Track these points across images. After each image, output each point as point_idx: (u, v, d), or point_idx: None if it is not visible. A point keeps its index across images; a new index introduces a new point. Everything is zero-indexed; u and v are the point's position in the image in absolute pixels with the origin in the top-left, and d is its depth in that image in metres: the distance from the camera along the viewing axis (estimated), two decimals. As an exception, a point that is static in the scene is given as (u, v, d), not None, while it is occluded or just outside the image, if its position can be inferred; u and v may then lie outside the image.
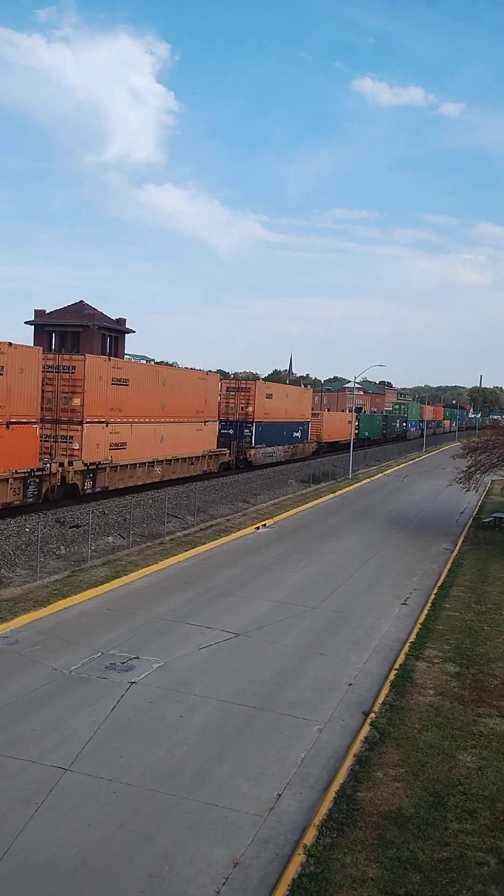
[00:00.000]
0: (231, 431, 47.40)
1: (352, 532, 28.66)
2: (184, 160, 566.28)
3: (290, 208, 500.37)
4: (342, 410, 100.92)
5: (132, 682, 12.51)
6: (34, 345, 58.17)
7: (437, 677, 13.27)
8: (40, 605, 16.57)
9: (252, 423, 47.92)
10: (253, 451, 47.71)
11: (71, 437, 29.08)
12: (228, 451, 45.16)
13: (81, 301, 64.70)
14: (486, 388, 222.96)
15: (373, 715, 11.49)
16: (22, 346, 25.40)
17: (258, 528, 28.31)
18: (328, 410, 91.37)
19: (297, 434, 57.47)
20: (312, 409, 65.38)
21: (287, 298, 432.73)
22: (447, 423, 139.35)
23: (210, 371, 45.43)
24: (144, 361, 75.84)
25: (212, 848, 8.06)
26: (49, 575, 19.23)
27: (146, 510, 29.21)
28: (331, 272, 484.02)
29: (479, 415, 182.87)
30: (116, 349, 65.19)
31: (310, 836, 8.24)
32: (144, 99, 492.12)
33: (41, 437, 27.28)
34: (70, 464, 28.43)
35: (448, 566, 22.93)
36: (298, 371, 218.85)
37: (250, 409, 48.26)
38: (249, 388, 49.57)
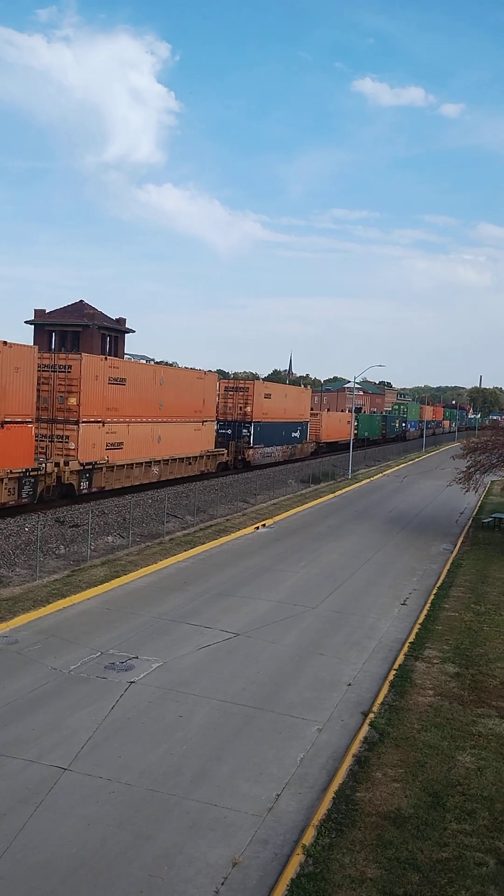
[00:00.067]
0: (229, 431, 47.34)
1: (351, 532, 28.66)
2: (184, 160, 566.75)
3: (290, 208, 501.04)
4: (342, 411, 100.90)
5: (131, 682, 12.52)
6: (34, 344, 58.37)
7: (437, 678, 13.27)
8: (40, 604, 16.57)
9: (250, 423, 47.86)
10: (251, 452, 47.67)
11: (67, 437, 28.91)
12: (226, 451, 45.03)
13: (81, 301, 64.70)
14: (485, 389, 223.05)
15: (372, 715, 11.50)
16: (17, 344, 25.19)
17: (258, 528, 28.31)
18: (327, 410, 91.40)
19: (296, 434, 57.44)
20: (311, 410, 65.36)
21: (287, 298, 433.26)
22: (447, 423, 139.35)
23: (209, 371, 45.32)
24: (144, 361, 75.83)
25: (211, 848, 8.07)
26: (48, 574, 19.23)
27: (145, 510, 29.20)
28: (331, 272, 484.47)
29: (479, 415, 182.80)
30: (116, 349, 65.18)
31: (309, 837, 8.25)
32: (145, 99, 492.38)
33: (37, 436, 27.09)
34: (66, 464, 28.27)
35: (447, 566, 22.93)
36: (298, 371, 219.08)
37: (249, 408, 48.20)
38: (248, 387, 49.51)
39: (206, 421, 41.40)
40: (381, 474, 53.62)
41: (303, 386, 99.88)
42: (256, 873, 7.69)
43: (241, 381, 54.73)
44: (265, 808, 8.93)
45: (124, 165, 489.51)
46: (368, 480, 48.76)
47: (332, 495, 39.50)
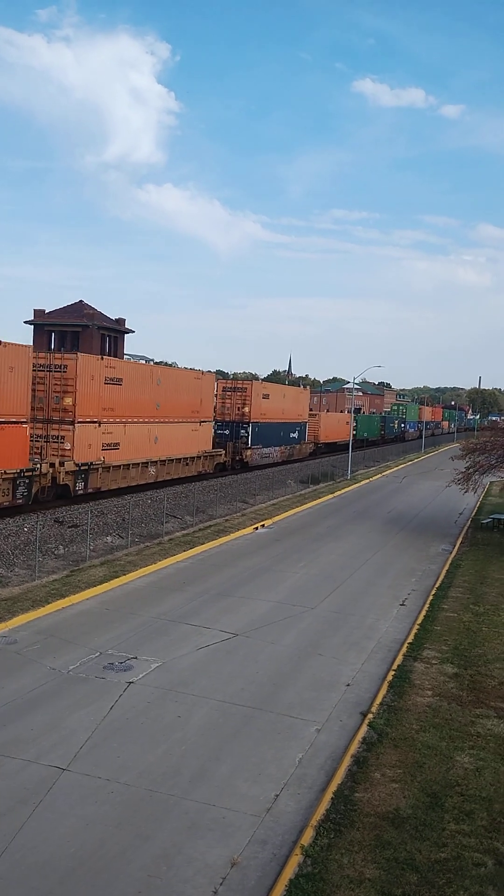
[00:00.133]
0: (227, 432, 47.27)
1: (351, 533, 28.67)
2: (184, 160, 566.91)
3: (290, 209, 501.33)
4: (341, 411, 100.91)
5: (130, 682, 12.52)
6: (34, 344, 58.28)
7: (435, 678, 13.28)
8: (39, 604, 16.56)
9: (248, 423, 47.79)
10: (249, 452, 47.64)
11: (62, 437, 28.75)
12: (224, 451, 44.92)
13: (81, 301, 64.67)
14: (484, 390, 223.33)
15: (371, 716, 11.50)
16: (12, 344, 25.01)
17: (257, 528, 28.31)
18: (326, 411, 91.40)
19: (294, 435, 57.41)
20: (310, 410, 65.34)
21: (287, 299, 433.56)
22: (446, 424, 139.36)
23: (208, 371, 45.30)
24: (144, 361, 75.89)
25: (209, 848, 8.07)
26: (47, 574, 19.23)
27: (145, 510, 29.19)
28: (331, 273, 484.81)
29: (478, 416, 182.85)
30: (116, 349, 65.16)
31: (307, 837, 8.25)
32: (145, 99, 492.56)
33: (32, 437, 26.93)
34: (61, 464, 28.07)
35: (446, 567, 22.95)
36: (298, 371, 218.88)
37: (247, 409, 48.13)
38: (246, 388, 49.41)
39: (203, 421, 41.28)
40: (380, 475, 53.63)
41: (302, 386, 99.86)
42: (255, 874, 7.69)
43: (240, 382, 54.63)
44: (264, 808, 8.94)
45: (124, 165, 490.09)
46: (367, 481, 48.77)
47: (331, 496, 39.51)
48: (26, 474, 25.72)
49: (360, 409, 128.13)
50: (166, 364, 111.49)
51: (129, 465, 32.77)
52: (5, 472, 24.57)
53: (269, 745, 10.56)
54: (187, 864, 7.78)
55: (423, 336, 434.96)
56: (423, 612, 17.53)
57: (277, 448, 53.15)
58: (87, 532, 22.34)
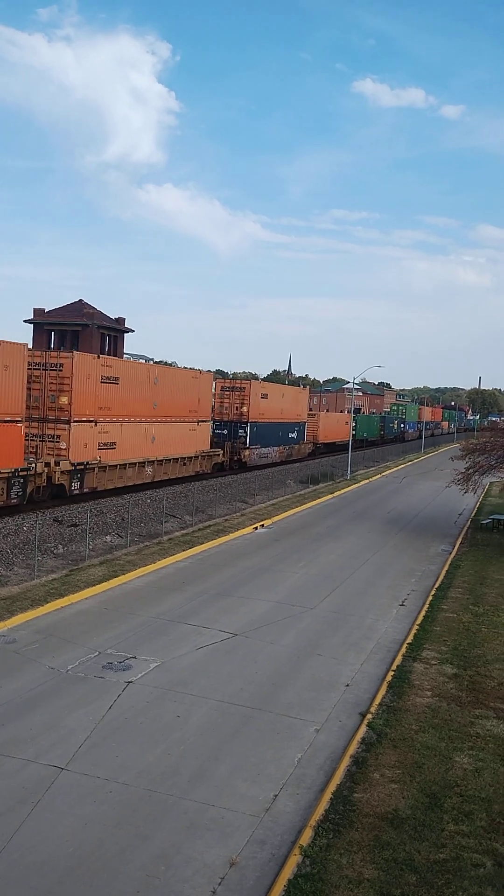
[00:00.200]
0: (225, 432, 47.23)
1: (350, 533, 28.67)
2: (184, 160, 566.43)
3: (290, 209, 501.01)
4: (341, 411, 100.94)
5: (129, 682, 12.51)
6: (34, 344, 58.32)
7: (435, 679, 13.28)
8: (38, 603, 16.56)
9: (247, 423, 47.76)
10: (247, 452, 47.62)
11: (58, 437, 28.55)
12: (222, 451, 44.85)
13: (81, 300, 64.62)
14: (484, 390, 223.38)
15: (370, 716, 11.50)
16: (6, 342, 24.82)
17: (256, 528, 28.31)
18: (326, 411, 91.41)
19: (293, 435, 57.39)
20: (309, 410, 65.33)
21: (287, 299, 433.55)
22: (445, 424, 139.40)
23: (207, 370, 45.25)
24: (143, 361, 75.87)
25: (208, 848, 8.06)
26: (47, 574, 19.22)
27: (144, 510, 29.18)
28: (331, 273, 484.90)
29: (478, 416, 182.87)
30: (116, 349, 65.13)
31: (306, 837, 8.25)
32: (145, 99, 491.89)
33: (27, 436, 26.74)
34: (57, 464, 27.90)
35: (446, 567, 22.95)
36: (298, 371, 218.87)
37: (245, 409, 48.09)
38: (244, 387, 49.38)
39: (201, 421, 41.18)
40: (379, 475, 53.64)
41: (301, 386, 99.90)
42: (254, 874, 7.68)
43: (238, 381, 54.57)
44: (263, 808, 8.93)
45: (124, 165, 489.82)
46: (367, 481, 48.77)
47: (330, 496, 39.51)
48: (21, 474, 25.55)
49: (359, 409, 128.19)
50: (166, 363, 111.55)
51: (125, 464, 32.64)
52: (0, 472, 24.51)
53: (269, 745, 10.56)
54: (186, 863, 7.78)
55: (423, 336, 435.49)
56: (423, 613, 17.53)
57: (276, 448, 53.14)
58: (86, 531, 22.33)
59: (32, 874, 7.49)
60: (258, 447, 49.27)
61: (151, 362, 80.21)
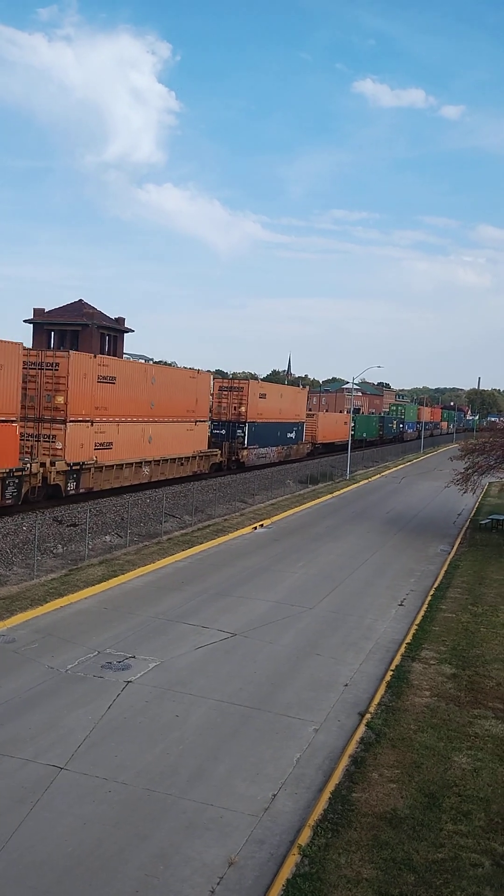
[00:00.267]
0: (223, 432, 47.15)
1: (349, 533, 28.68)
2: (184, 160, 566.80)
3: (290, 209, 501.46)
4: (340, 411, 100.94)
5: (128, 682, 12.51)
6: (34, 343, 58.29)
7: (433, 678, 13.29)
8: (37, 603, 16.56)
9: (245, 423, 47.69)
10: (245, 452, 47.58)
11: (54, 437, 28.33)
12: (220, 451, 44.74)
13: (80, 300, 64.60)
14: (483, 391, 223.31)
15: (368, 716, 11.51)
16: (1, 341, 24.72)
17: (256, 528, 28.31)
18: (325, 411, 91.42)
19: (292, 435, 57.34)
20: (308, 410, 65.28)
21: (287, 299, 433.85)
22: (445, 424, 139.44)
23: (207, 370, 45.22)
24: (143, 361, 75.81)
25: (207, 848, 8.07)
26: (46, 573, 19.22)
27: (143, 509, 29.18)
28: (331, 273, 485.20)
29: (477, 417, 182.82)
30: (115, 348, 65.12)
31: (305, 837, 8.25)
32: (145, 99, 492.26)
33: (22, 436, 26.52)
34: (52, 464, 27.67)
35: (445, 568, 22.97)
36: (297, 372, 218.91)
37: (243, 409, 48.02)
38: (243, 387, 49.30)
39: (199, 421, 41.03)
40: (379, 475, 53.65)
41: (301, 386, 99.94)
42: (252, 873, 7.69)
43: (236, 381, 54.53)
44: (261, 808, 8.94)
45: (124, 165, 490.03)
46: (366, 481, 48.78)
47: (330, 496, 39.52)
48: (16, 474, 25.36)
49: (359, 409, 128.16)
50: (165, 363, 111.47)
51: (122, 465, 32.47)
52: None
53: (267, 744, 10.57)
54: (185, 863, 7.79)
55: (423, 336, 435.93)
56: (422, 613, 17.55)
57: (274, 448, 53.11)
58: (85, 531, 22.33)
59: (31, 874, 7.50)
60: (256, 447, 49.24)
61: (151, 362, 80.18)
